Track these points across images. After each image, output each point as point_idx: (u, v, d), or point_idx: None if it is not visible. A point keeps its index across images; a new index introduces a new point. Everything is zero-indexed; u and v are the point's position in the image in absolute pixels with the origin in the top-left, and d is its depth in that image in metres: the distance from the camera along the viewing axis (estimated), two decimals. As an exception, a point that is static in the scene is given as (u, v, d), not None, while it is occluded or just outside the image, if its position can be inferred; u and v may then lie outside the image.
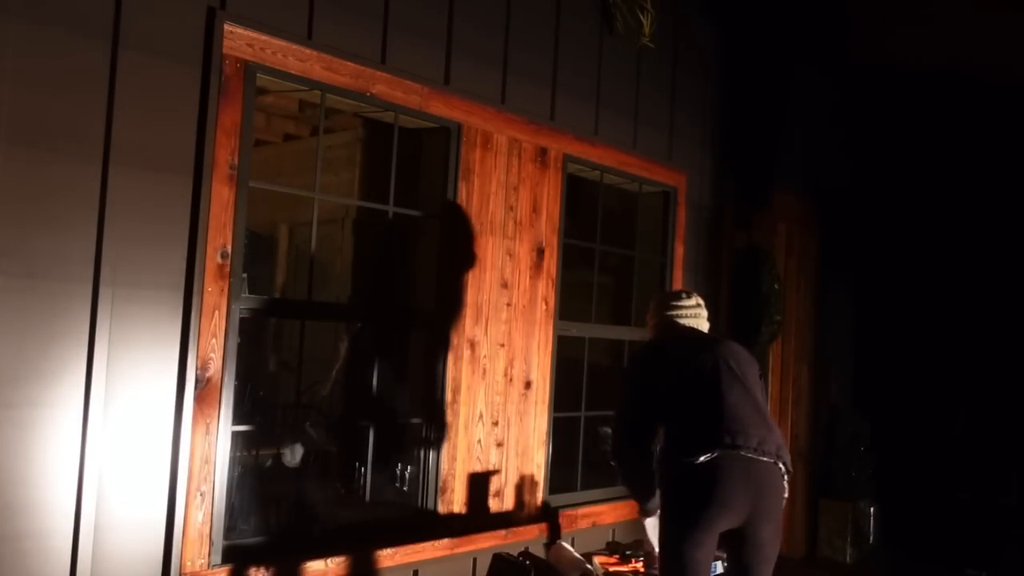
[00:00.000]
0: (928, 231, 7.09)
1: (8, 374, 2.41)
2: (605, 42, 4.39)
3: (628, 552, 3.90)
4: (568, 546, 3.41)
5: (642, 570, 3.66)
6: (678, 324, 3.25)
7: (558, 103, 4.12)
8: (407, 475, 3.71)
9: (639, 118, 4.62)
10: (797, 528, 5.81)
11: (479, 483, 3.74)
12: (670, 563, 2.79)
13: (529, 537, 3.88)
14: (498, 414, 3.83)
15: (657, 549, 3.09)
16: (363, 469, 3.80)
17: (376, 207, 3.62)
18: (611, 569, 3.38)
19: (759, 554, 2.80)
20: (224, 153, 2.85)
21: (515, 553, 3.55)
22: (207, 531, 2.82)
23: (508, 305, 3.87)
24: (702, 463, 2.71)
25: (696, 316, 3.30)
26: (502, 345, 3.84)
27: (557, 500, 4.15)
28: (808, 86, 5.86)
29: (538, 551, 3.88)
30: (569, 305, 4.27)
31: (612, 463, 3.06)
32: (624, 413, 3.05)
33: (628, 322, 4.82)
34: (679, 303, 3.30)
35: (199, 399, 2.79)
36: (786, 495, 2.84)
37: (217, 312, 2.84)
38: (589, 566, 3.45)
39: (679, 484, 2.79)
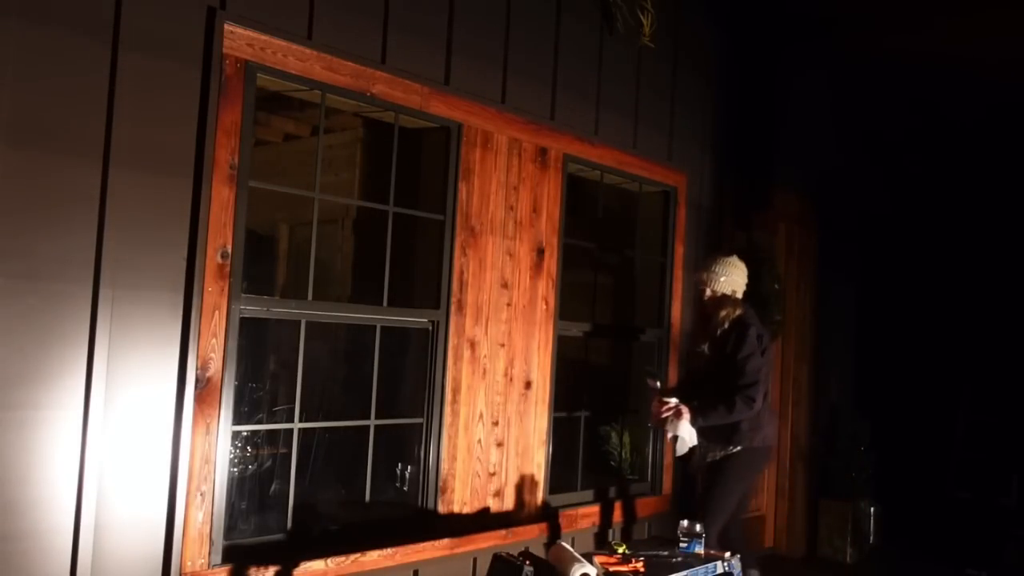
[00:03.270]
0: (929, 231, 7.09)
1: (9, 375, 2.41)
2: (605, 42, 4.39)
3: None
4: (568, 546, 3.40)
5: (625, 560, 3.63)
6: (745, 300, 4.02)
7: (558, 103, 4.12)
8: (407, 475, 3.71)
9: (639, 118, 4.62)
10: (797, 528, 5.81)
11: (479, 483, 3.74)
12: (729, 504, 3.84)
13: (529, 537, 3.88)
14: (498, 414, 3.83)
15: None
16: (364, 469, 3.79)
17: (376, 207, 3.62)
18: (611, 569, 3.37)
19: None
20: (224, 153, 2.85)
21: (515, 553, 3.54)
22: (207, 531, 2.82)
23: (508, 305, 3.87)
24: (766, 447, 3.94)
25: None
26: (502, 345, 3.84)
27: (557, 500, 4.15)
28: (808, 86, 5.86)
29: (538, 551, 3.87)
30: (569, 305, 4.27)
31: (749, 405, 3.72)
32: (759, 372, 3.77)
33: (628, 322, 4.82)
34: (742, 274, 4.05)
35: (199, 399, 2.79)
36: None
37: (217, 312, 2.84)
38: (590, 565, 3.43)
39: (755, 457, 3.89)
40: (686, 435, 3.72)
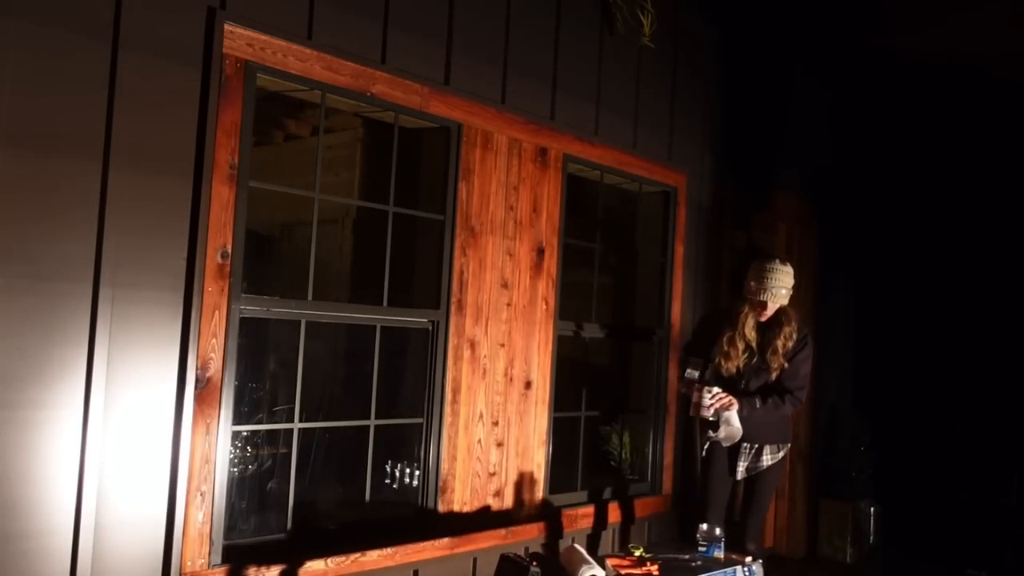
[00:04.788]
0: (928, 231, 7.09)
1: (9, 375, 2.41)
2: (605, 42, 4.39)
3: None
4: (580, 548, 3.29)
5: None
6: None
7: (558, 103, 4.12)
8: (399, 473, 3.70)
9: (639, 118, 4.62)
10: (797, 528, 5.80)
11: (479, 483, 3.74)
12: None
13: (529, 537, 3.88)
14: (498, 414, 3.83)
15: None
16: (364, 469, 3.79)
17: (376, 207, 3.62)
18: (623, 572, 3.30)
19: None
20: (224, 153, 2.85)
21: (517, 553, 3.51)
22: (207, 531, 2.82)
23: (508, 305, 3.87)
24: None
25: None
26: (502, 345, 3.84)
27: (557, 500, 4.15)
28: (808, 86, 5.85)
29: (539, 550, 3.88)
30: (569, 305, 4.27)
31: (795, 406, 3.84)
32: (808, 378, 3.89)
33: (629, 322, 4.82)
34: None
35: (199, 399, 2.80)
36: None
37: (217, 312, 2.84)
38: (599, 568, 3.33)
39: None
40: (737, 424, 3.67)
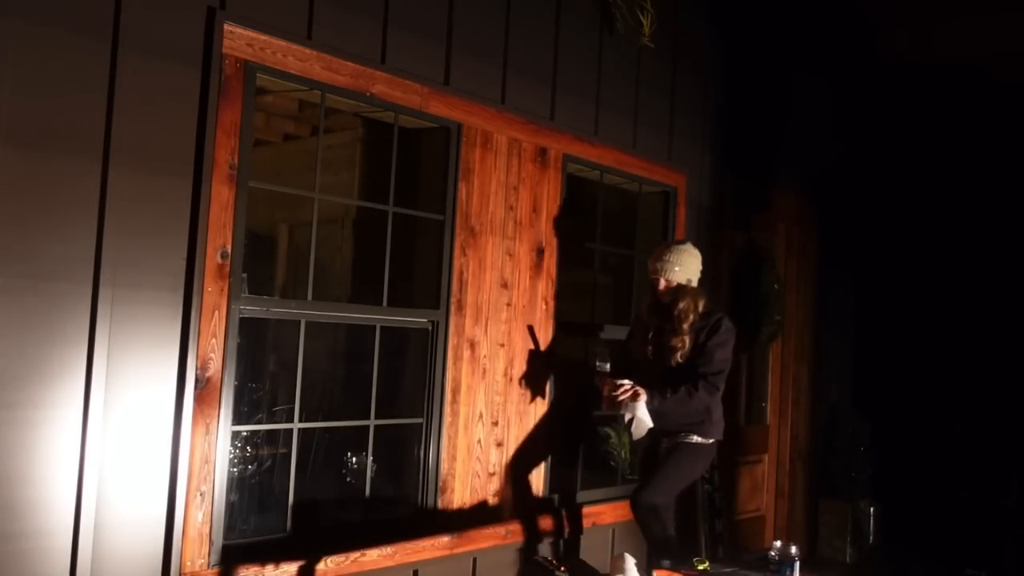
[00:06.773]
0: (928, 231, 7.09)
1: (9, 374, 2.41)
2: (605, 42, 4.39)
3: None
4: (631, 558, 3.12)
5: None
6: None
7: (558, 103, 4.12)
8: (352, 465, 3.73)
9: (639, 118, 4.62)
10: (797, 528, 5.81)
11: (479, 483, 3.74)
12: (679, 489, 3.68)
13: (529, 537, 3.87)
14: (498, 414, 3.83)
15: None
16: (364, 468, 3.80)
17: (376, 207, 3.62)
18: None
19: None
20: (224, 153, 2.85)
21: (546, 556, 3.47)
22: (207, 531, 2.82)
23: (508, 305, 3.87)
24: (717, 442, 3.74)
25: None
26: (502, 345, 3.84)
27: (557, 500, 4.15)
28: (808, 85, 5.86)
29: (541, 551, 3.88)
30: (569, 305, 4.27)
31: (711, 393, 3.61)
32: (726, 362, 3.67)
33: (628, 322, 4.81)
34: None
35: (199, 399, 2.80)
36: None
37: (217, 312, 2.84)
38: None
39: (710, 451, 3.71)
40: (644, 417, 3.52)
